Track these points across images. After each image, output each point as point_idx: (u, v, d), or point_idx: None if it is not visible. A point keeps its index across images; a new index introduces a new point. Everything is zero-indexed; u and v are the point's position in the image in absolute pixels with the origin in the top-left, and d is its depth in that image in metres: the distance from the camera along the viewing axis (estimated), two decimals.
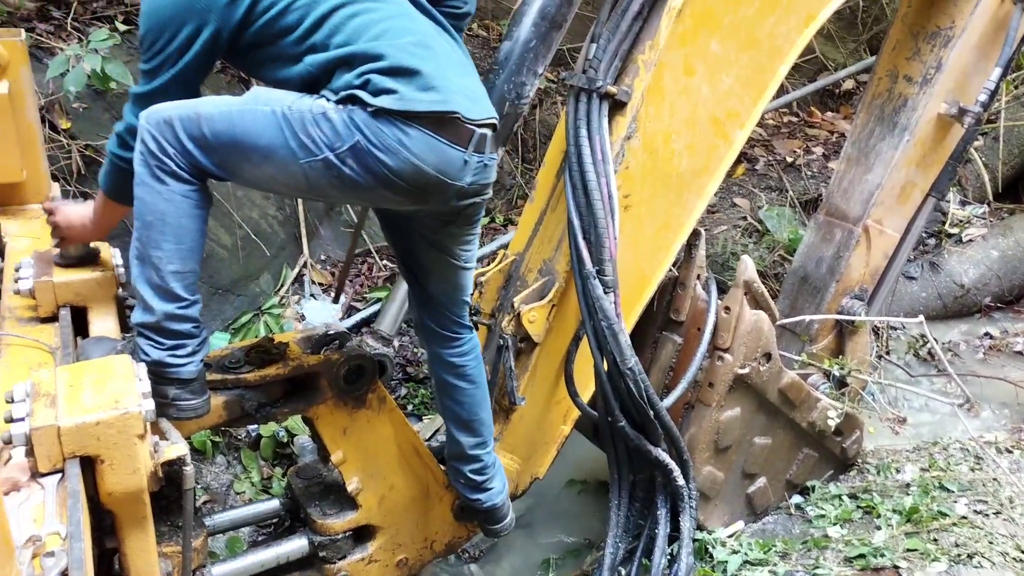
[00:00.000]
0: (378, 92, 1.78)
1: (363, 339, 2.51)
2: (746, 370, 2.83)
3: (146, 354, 1.84)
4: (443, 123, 1.83)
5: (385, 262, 5.23)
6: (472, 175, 1.93)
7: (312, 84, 1.85)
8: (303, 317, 4.68)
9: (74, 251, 2.10)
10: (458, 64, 1.99)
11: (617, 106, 2.49)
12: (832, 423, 3.14)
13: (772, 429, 3.10)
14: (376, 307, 4.84)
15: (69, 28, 4.16)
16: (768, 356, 2.88)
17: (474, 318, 2.78)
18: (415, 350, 4.70)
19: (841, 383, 3.30)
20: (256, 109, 1.81)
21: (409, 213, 2.13)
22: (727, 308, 2.79)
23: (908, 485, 3.27)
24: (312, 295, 4.89)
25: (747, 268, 2.76)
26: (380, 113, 1.77)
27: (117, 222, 2.13)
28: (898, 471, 3.41)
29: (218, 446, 3.97)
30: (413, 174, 1.83)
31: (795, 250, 4.62)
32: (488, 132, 1.94)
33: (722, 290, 2.91)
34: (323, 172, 1.80)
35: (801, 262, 3.58)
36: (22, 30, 2.77)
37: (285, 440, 4.03)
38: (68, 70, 3.26)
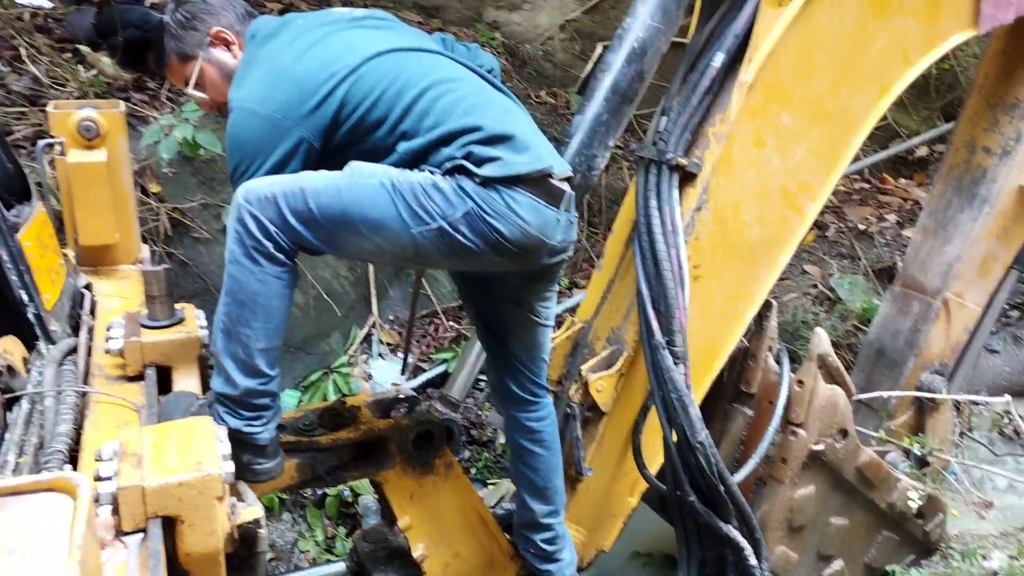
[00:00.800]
0: (481, 161, 1.85)
1: (431, 404, 2.54)
2: (821, 447, 2.75)
3: (223, 421, 1.88)
4: (539, 184, 1.92)
5: (451, 323, 5.30)
6: (562, 233, 2.01)
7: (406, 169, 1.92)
8: (370, 376, 4.75)
9: (162, 316, 2.19)
10: (533, 126, 2.09)
11: (687, 177, 2.50)
12: (913, 505, 3.01)
13: (849, 509, 2.98)
14: (442, 368, 4.88)
15: (163, 98, 4.42)
16: (844, 432, 2.79)
17: None
18: (479, 412, 4.70)
19: (922, 462, 3.17)
20: (363, 182, 1.84)
21: (500, 273, 2.17)
22: (800, 382, 2.73)
23: (995, 573, 3.10)
24: (380, 355, 4.96)
25: (821, 341, 2.71)
26: (488, 182, 1.85)
27: None
28: (984, 558, 3.23)
29: (284, 503, 4.02)
30: (521, 236, 1.89)
31: (869, 320, 4.50)
32: (569, 190, 2.02)
33: (793, 360, 2.85)
34: (435, 240, 1.86)
35: (877, 334, 3.49)
36: (121, 102, 2.95)
37: (350, 499, 4.06)
38: (161, 139, 3.45)
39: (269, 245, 1.79)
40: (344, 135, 1.93)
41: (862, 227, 6.09)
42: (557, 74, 7.38)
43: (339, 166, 1.95)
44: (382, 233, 1.85)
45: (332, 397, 4.39)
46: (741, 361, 2.92)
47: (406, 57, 1.99)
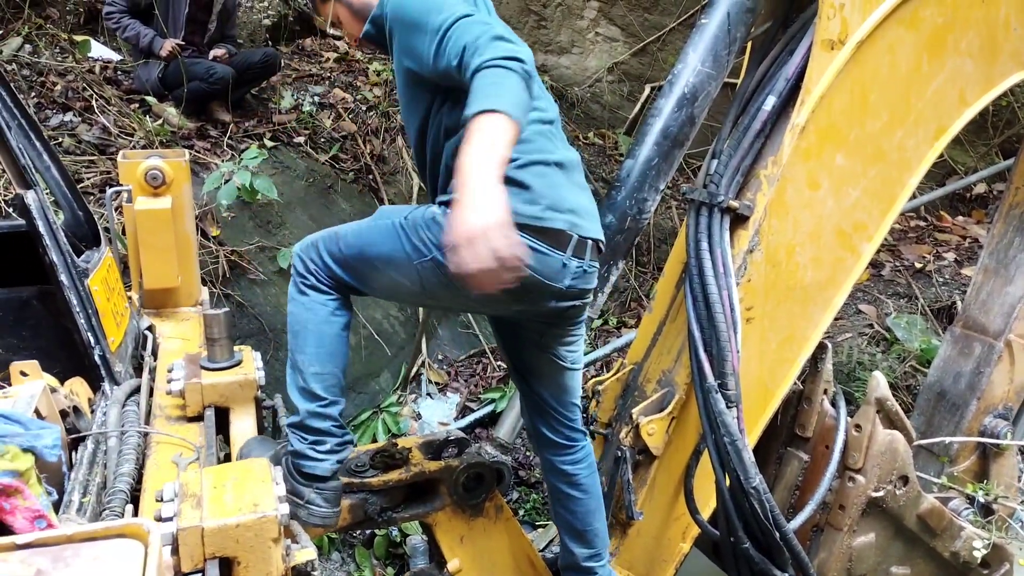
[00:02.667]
0: None
1: (481, 446, 2.55)
2: (880, 493, 2.67)
3: (291, 444, 2.02)
4: (541, 230, 1.90)
5: (499, 363, 5.31)
6: (571, 279, 1.98)
7: None
8: (419, 416, 4.78)
9: (221, 358, 2.25)
10: (577, 184, 2.07)
11: (739, 220, 2.49)
12: (978, 554, 2.89)
13: (911, 558, 2.88)
14: (490, 407, 4.89)
15: (224, 145, 4.58)
16: (904, 479, 2.70)
17: (591, 428, 2.77)
18: (527, 453, 4.68)
19: (987, 510, 3.05)
20: (380, 223, 2.00)
21: (513, 315, 2.19)
22: (858, 426, 2.66)
23: None
24: (429, 394, 5.00)
25: (879, 385, 2.64)
26: None
27: None
28: None
29: (334, 542, 4.04)
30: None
31: (928, 361, 4.38)
32: (581, 236, 1.98)
33: (849, 402, 2.78)
34: (433, 271, 1.90)
35: (937, 376, 3.39)
36: (185, 151, 3.07)
37: (398, 540, 4.06)
38: (221, 185, 3.57)
39: (312, 279, 2.00)
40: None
41: (919, 265, 5.95)
42: (605, 116, 7.45)
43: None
44: (392, 267, 1.96)
45: (381, 436, 4.42)
46: (795, 404, 2.86)
47: None
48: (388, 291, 2.13)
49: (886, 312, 5.55)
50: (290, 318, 2.02)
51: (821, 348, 2.75)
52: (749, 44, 2.68)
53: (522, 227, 1.85)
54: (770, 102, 2.42)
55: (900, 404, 2.77)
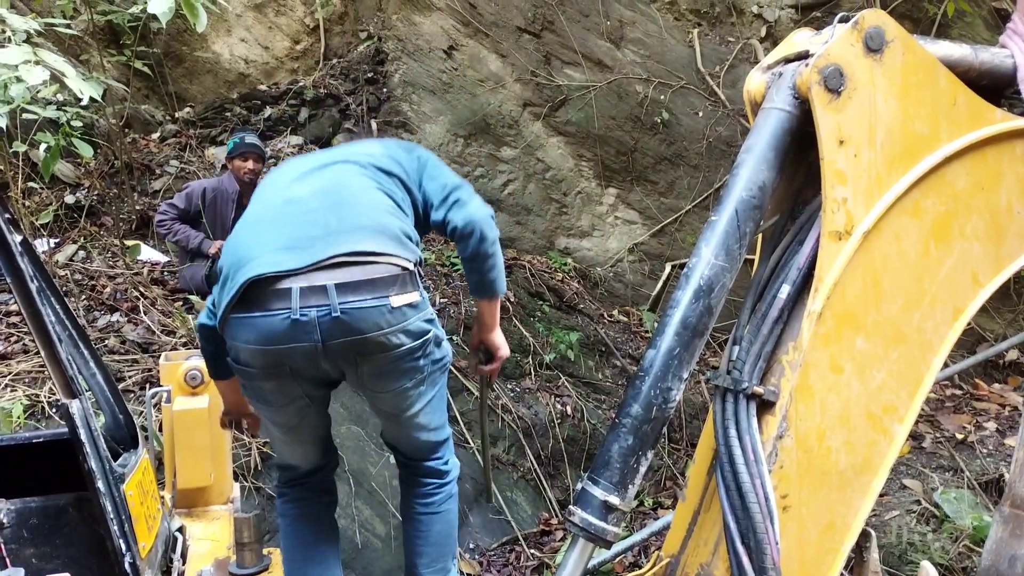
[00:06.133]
0: None
1: None
2: None
3: None
4: (249, 301, 1.90)
5: (533, 551, 5.13)
6: (323, 330, 1.86)
7: None
8: None
9: (250, 563, 2.24)
10: (300, 215, 2.01)
11: (765, 405, 2.49)
12: None
13: None
14: None
15: None
16: None
17: None
18: None
19: None
20: None
21: (313, 389, 2.17)
22: None
23: None
24: None
25: (929, 575, 2.52)
26: (221, 328, 2.04)
27: None
28: None
29: None
30: (244, 354, 1.98)
31: (981, 540, 4.18)
32: (329, 283, 1.84)
33: None
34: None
35: (992, 560, 3.22)
36: None
37: None
38: None
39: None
40: None
41: (960, 436, 5.80)
42: (629, 294, 7.63)
43: None
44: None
45: None
46: None
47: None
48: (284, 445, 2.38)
49: (932, 487, 5.35)
50: None
51: (864, 536, 2.65)
52: (760, 235, 2.80)
53: (231, 310, 1.96)
54: (785, 290, 2.49)
55: None
